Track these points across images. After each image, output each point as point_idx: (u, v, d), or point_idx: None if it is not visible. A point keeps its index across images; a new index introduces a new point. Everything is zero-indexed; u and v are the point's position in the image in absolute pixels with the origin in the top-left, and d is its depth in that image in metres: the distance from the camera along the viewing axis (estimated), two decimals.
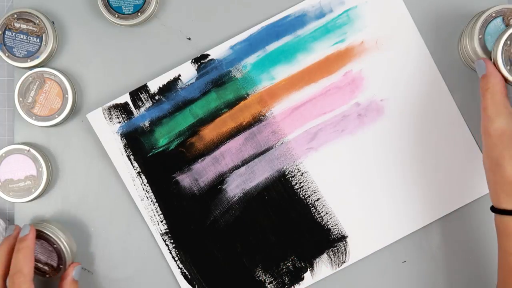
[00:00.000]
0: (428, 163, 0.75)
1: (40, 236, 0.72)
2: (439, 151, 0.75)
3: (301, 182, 0.75)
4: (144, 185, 0.75)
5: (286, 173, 0.75)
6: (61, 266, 0.72)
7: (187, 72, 0.75)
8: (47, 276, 0.72)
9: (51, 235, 0.72)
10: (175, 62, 0.75)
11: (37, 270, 0.72)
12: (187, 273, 0.75)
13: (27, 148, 0.73)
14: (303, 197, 0.75)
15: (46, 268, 0.72)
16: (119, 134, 0.75)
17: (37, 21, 0.73)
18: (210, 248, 0.75)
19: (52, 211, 0.76)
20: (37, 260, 0.72)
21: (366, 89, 0.75)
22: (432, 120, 0.75)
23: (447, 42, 0.75)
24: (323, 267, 0.75)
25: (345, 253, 0.75)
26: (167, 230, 0.75)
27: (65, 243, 0.72)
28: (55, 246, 0.72)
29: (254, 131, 0.75)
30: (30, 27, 0.73)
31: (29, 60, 0.73)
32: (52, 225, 0.73)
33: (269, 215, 0.75)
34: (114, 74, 0.75)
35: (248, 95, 0.75)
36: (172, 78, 0.75)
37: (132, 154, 0.75)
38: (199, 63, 0.75)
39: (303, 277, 0.75)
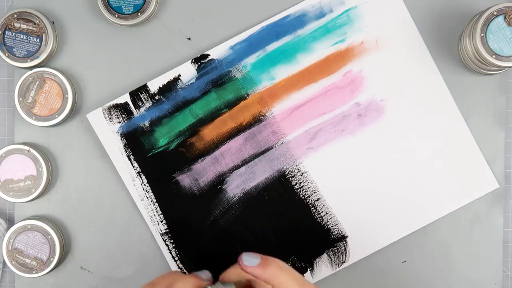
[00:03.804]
0: (428, 163, 0.75)
1: (35, 227, 0.72)
2: (439, 151, 0.75)
3: (301, 182, 0.75)
4: (144, 185, 0.75)
5: (286, 173, 0.75)
6: (51, 259, 0.73)
7: (187, 72, 0.75)
8: (34, 272, 0.72)
9: (46, 226, 0.72)
10: (175, 62, 0.75)
11: (23, 267, 0.73)
12: (187, 273, 0.75)
13: (27, 148, 0.73)
14: (303, 197, 0.75)
15: (34, 263, 0.73)
16: (119, 134, 0.75)
17: (37, 21, 0.73)
18: (210, 248, 0.75)
19: (52, 211, 0.76)
20: (25, 256, 0.72)
21: (366, 89, 0.75)
22: (432, 120, 0.75)
23: (447, 42, 0.75)
24: (323, 267, 0.75)
25: (345, 253, 0.75)
26: (167, 230, 0.75)
27: (58, 236, 0.73)
28: (49, 237, 0.72)
29: (254, 131, 0.75)
30: (30, 27, 0.73)
31: (29, 60, 0.73)
32: (48, 221, 0.74)
33: (269, 215, 0.75)
34: (114, 74, 0.75)
35: (248, 95, 0.75)
36: (172, 78, 0.75)
37: (132, 154, 0.75)
38: (199, 63, 0.75)
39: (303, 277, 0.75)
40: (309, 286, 0.59)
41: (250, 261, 0.60)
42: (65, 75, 0.74)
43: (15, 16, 0.73)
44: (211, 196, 0.75)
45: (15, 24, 0.73)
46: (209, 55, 0.75)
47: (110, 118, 0.75)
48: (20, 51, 0.73)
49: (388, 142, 0.75)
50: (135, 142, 0.75)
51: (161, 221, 0.75)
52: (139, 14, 0.73)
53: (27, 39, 0.73)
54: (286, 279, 0.58)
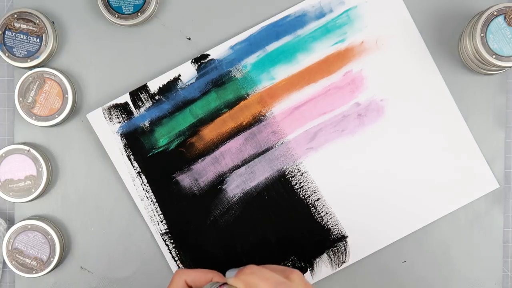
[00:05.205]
0: (428, 163, 0.75)
1: (35, 227, 0.72)
2: (439, 151, 0.75)
3: (301, 182, 0.75)
4: (144, 185, 0.75)
5: (286, 173, 0.75)
6: (51, 259, 0.73)
7: (187, 72, 0.75)
8: (34, 272, 0.72)
9: (46, 226, 0.72)
10: (175, 62, 0.75)
11: (23, 267, 0.73)
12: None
13: (27, 148, 0.73)
14: (303, 197, 0.75)
15: (34, 263, 0.73)
16: (119, 134, 0.75)
17: (37, 21, 0.73)
18: (210, 248, 0.75)
19: (52, 211, 0.76)
20: (25, 256, 0.72)
21: (366, 89, 0.75)
22: (432, 120, 0.75)
23: (447, 42, 0.75)
24: (323, 267, 0.75)
25: (345, 253, 0.75)
26: (167, 230, 0.75)
27: (58, 236, 0.73)
28: (49, 237, 0.72)
29: (254, 131, 0.75)
30: (30, 27, 0.73)
31: (29, 60, 0.73)
32: (48, 221, 0.74)
33: (269, 215, 0.75)
34: (114, 74, 0.75)
35: (248, 95, 0.75)
36: (172, 78, 0.75)
37: (132, 154, 0.75)
38: (199, 63, 0.75)
39: None
40: (285, 285, 0.60)
41: (229, 274, 0.64)
42: (65, 75, 0.74)
43: (15, 16, 0.73)
44: (211, 196, 0.75)
45: (15, 24, 0.73)
46: (209, 55, 0.75)
47: (110, 118, 0.75)
48: (20, 51, 0.73)
49: (388, 142, 0.75)
50: (135, 142, 0.75)
51: (161, 221, 0.75)
52: (139, 14, 0.73)
53: (27, 39, 0.73)
54: (257, 280, 0.60)
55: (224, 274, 0.74)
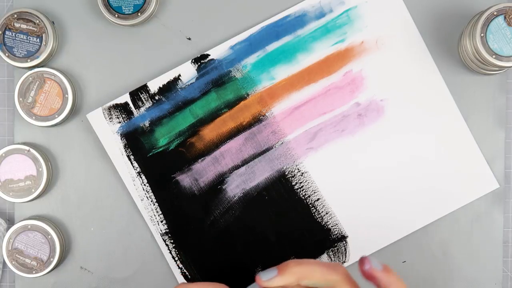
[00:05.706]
0: (428, 163, 0.75)
1: (35, 227, 0.72)
2: (439, 151, 0.75)
3: (301, 182, 0.75)
4: (144, 185, 0.75)
5: (286, 173, 0.75)
6: (51, 259, 0.73)
7: (187, 72, 0.75)
8: (34, 272, 0.72)
9: (46, 226, 0.72)
10: (175, 62, 0.75)
11: (23, 267, 0.73)
12: (187, 273, 0.75)
13: (27, 148, 0.73)
14: (303, 197, 0.75)
15: (34, 263, 0.73)
16: (119, 134, 0.75)
17: (37, 21, 0.73)
18: (210, 248, 0.75)
19: (52, 211, 0.76)
20: (25, 256, 0.72)
21: (366, 89, 0.75)
22: (432, 120, 0.75)
23: (447, 42, 0.75)
24: None
25: (345, 253, 0.75)
26: (167, 230, 0.75)
27: (58, 236, 0.73)
28: (49, 237, 0.72)
29: (254, 131, 0.75)
30: (30, 27, 0.73)
31: (29, 60, 0.73)
32: (48, 221, 0.74)
33: (269, 215, 0.75)
34: (114, 74, 0.75)
35: (248, 95, 0.75)
36: (172, 78, 0.75)
37: (132, 154, 0.75)
38: (199, 63, 0.75)
39: None
40: (335, 266, 0.57)
41: (267, 275, 0.58)
42: (65, 75, 0.74)
43: (15, 16, 0.73)
44: (211, 196, 0.75)
45: (15, 24, 0.73)
46: (209, 55, 0.75)
47: (110, 118, 0.75)
48: (20, 51, 0.73)
49: (388, 142, 0.75)
50: (135, 142, 0.75)
51: (161, 221, 0.75)
52: (139, 14, 0.73)
53: (27, 39, 0.73)
54: (309, 269, 0.57)
55: (226, 283, 0.74)
